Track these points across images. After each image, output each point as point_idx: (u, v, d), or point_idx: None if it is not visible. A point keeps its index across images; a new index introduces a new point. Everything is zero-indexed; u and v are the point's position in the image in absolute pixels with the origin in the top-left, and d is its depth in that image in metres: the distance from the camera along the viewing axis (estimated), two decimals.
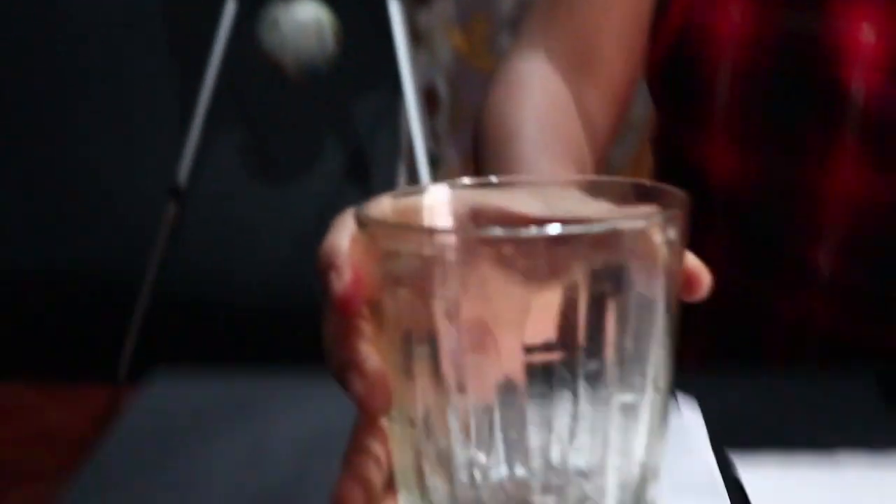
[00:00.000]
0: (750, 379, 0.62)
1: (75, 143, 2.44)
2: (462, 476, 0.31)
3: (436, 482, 0.31)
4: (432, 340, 0.30)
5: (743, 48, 0.69)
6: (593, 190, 0.35)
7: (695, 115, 0.73)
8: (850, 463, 0.53)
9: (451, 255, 0.29)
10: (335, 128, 2.48)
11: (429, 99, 2.61)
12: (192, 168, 2.22)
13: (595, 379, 0.29)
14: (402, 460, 0.33)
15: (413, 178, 2.54)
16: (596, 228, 0.29)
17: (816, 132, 0.68)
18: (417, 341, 0.30)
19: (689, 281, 0.34)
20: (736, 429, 0.56)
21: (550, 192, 0.37)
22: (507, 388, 0.30)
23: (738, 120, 0.71)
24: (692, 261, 0.35)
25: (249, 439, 0.52)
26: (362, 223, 0.32)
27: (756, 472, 0.53)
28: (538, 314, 0.29)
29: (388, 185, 2.50)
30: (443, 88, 2.74)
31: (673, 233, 0.31)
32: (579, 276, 0.29)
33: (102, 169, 2.44)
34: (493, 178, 0.38)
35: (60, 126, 2.43)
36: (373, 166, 2.53)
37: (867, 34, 0.65)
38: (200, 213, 2.40)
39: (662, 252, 0.30)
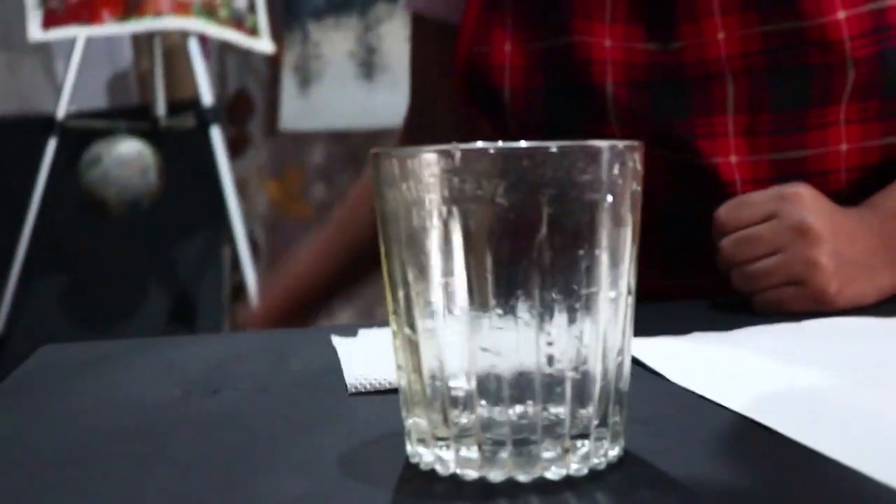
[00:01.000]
0: None
1: None
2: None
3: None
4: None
5: (517, 70, 0.83)
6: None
7: (494, 126, 0.88)
8: (706, 336, 0.63)
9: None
10: (158, 270, 2.49)
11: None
12: (9, 317, 2.18)
13: (588, 271, 0.35)
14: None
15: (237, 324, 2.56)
16: (578, 146, 0.36)
17: (589, 126, 0.82)
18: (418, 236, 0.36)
19: None
20: None
21: None
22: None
23: (526, 130, 0.85)
24: None
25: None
26: (377, 157, 0.38)
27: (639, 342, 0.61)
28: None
29: (214, 329, 2.51)
30: (261, 236, 2.81)
31: (636, 160, 0.38)
32: (566, 188, 0.35)
33: None
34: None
35: None
36: (198, 308, 2.53)
37: (608, 44, 0.80)
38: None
39: (628, 174, 0.37)
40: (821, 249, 0.68)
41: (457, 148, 0.35)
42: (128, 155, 2.13)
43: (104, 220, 2.21)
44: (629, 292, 0.38)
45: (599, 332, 0.36)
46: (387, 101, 2.51)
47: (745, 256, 0.70)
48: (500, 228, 0.34)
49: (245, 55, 2.68)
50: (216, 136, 2.12)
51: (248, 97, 2.77)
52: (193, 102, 2.25)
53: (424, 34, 0.98)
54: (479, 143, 0.35)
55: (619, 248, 0.37)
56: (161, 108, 2.20)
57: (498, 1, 0.84)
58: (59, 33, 2.09)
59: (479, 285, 0.35)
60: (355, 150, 2.77)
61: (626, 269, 0.37)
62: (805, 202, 0.70)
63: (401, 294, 0.37)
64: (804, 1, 0.74)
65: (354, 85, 2.62)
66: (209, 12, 2.10)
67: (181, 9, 2.06)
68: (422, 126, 1.01)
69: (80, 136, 2.17)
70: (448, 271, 0.35)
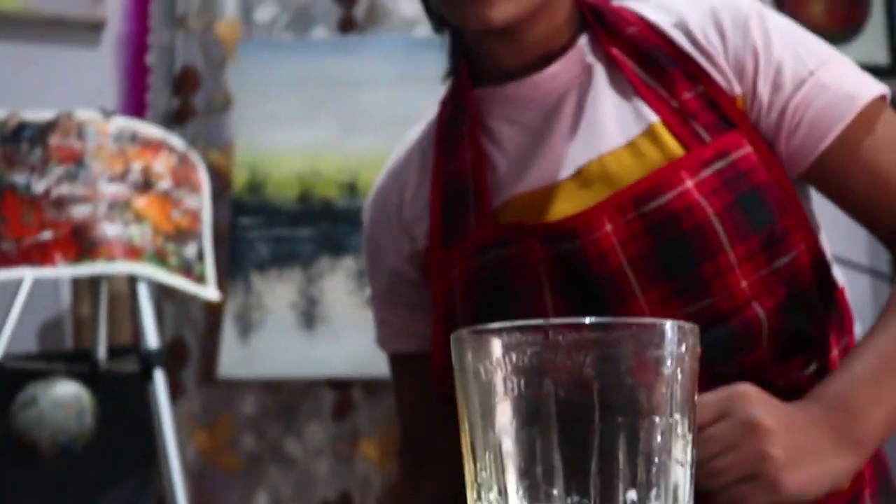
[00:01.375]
0: None
1: None
2: None
3: None
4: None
5: None
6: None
7: None
8: None
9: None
10: None
11: None
12: None
13: (663, 436, 0.39)
14: None
15: None
16: (652, 323, 0.40)
17: None
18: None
19: None
20: None
21: None
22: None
23: None
24: None
25: None
26: (459, 337, 0.42)
27: None
28: None
29: None
30: (188, 486, 2.74)
31: (694, 340, 0.42)
32: (646, 361, 0.39)
33: None
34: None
35: None
36: None
37: None
38: None
39: (691, 351, 0.42)
40: (771, 442, 0.73)
41: (546, 323, 0.39)
42: (64, 397, 2.10)
43: (31, 462, 2.14)
44: (692, 462, 0.41)
45: (669, 495, 0.39)
46: (326, 351, 2.54)
47: (703, 456, 0.75)
48: (586, 399, 0.38)
49: (183, 303, 2.71)
50: (160, 380, 2.11)
51: (184, 345, 2.78)
52: (131, 347, 2.25)
53: (403, 369, 1.10)
54: (562, 319, 0.39)
55: (686, 418, 0.40)
56: (101, 352, 2.20)
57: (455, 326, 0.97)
58: (6, 275, 2.10)
59: (568, 452, 0.38)
60: (288, 399, 2.76)
61: (691, 438, 0.41)
62: (752, 400, 0.76)
63: (488, 457, 0.39)
64: (713, 283, 0.85)
65: (295, 335, 2.66)
66: (160, 259, 2.15)
67: (133, 254, 2.10)
68: (419, 454, 1.09)
69: (13, 378, 2.14)
70: (536, 439, 0.38)
